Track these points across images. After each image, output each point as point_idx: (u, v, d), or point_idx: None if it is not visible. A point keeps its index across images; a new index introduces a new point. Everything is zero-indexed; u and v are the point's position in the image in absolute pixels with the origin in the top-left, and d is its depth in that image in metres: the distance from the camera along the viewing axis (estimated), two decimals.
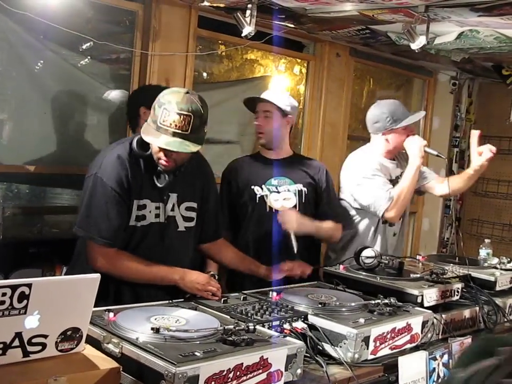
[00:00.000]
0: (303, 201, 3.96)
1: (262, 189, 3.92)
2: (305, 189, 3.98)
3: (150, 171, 3.02)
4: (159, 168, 3.00)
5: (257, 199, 3.91)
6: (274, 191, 3.93)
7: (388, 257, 3.53)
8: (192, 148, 2.86)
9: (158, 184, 3.02)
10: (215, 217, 3.42)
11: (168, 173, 3.02)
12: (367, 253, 3.50)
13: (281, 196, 3.93)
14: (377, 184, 4.09)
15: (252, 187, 3.92)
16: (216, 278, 3.63)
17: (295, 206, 3.93)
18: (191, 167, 3.19)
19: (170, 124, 2.81)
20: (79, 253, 3.16)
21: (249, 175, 3.97)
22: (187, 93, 2.88)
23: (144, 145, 2.98)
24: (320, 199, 4.03)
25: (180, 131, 2.82)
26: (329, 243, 4.28)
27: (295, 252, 3.69)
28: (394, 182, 4.22)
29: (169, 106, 2.81)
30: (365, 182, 4.10)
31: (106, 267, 2.90)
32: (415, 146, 4.11)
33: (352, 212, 4.22)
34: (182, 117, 2.81)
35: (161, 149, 2.91)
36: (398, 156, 4.37)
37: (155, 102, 2.89)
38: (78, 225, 2.99)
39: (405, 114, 4.23)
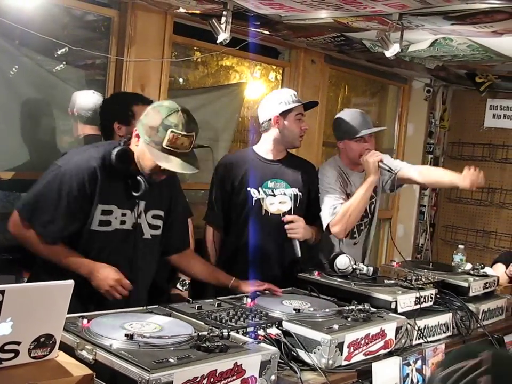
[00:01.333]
0: (297, 205, 3.95)
1: (258, 192, 3.88)
2: (300, 193, 3.97)
3: (124, 179, 3.01)
4: (139, 178, 2.99)
5: (254, 202, 3.87)
6: (271, 194, 3.90)
7: (362, 264, 3.54)
8: (197, 165, 2.96)
9: (134, 193, 3.00)
10: (182, 227, 3.41)
11: (145, 182, 3.01)
12: (341, 259, 3.52)
13: (277, 199, 3.91)
14: (328, 199, 4.02)
15: (248, 189, 3.88)
16: (187, 284, 3.62)
17: (289, 210, 3.92)
18: None
19: (179, 147, 2.86)
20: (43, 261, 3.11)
21: (245, 175, 3.90)
22: (184, 111, 2.90)
23: (123, 158, 2.96)
24: (310, 203, 4.03)
25: (185, 150, 2.90)
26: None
27: (299, 255, 3.74)
28: None
29: (177, 129, 2.84)
30: (321, 194, 4.07)
31: (20, 236, 2.97)
32: (369, 162, 4.04)
33: None
34: (189, 138, 2.88)
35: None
36: None
37: (155, 123, 2.86)
38: (22, 205, 2.98)
39: (359, 126, 4.15)
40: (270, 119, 3.93)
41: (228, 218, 3.97)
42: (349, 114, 4.26)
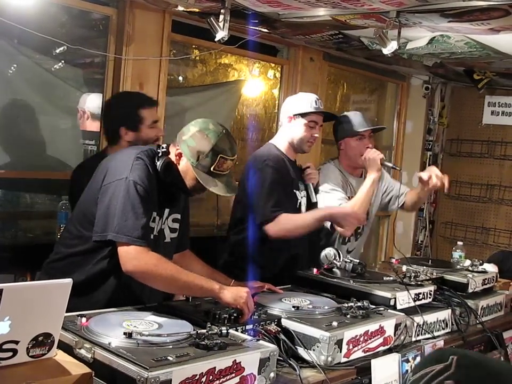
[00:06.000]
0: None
1: (300, 193, 3.97)
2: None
3: (164, 188, 3.00)
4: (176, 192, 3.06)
5: (298, 204, 3.94)
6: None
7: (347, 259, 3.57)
8: (235, 184, 3.06)
9: (168, 203, 3.07)
10: (187, 228, 3.40)
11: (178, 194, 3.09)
12: (325, 252, 3.58)
13: (303, 201, 4.00)
14: (331, 198, 4.04)
15: (294, 191, 3.94)
16: None
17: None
18: None
19: (224, 170, 2.92)
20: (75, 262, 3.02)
21: (290, 176, 3.94)
22: (227, 133, 2.95)
23: (169, 171, 2.96)
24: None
25: (227, 172, 2.95)
26: None
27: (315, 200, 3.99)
28: None
29: (226, 154, 2.89)
30: (321, 196, 4.08)
31: (146, 268, 2.76)
32: (372, 159, 4.07)
33: None
34: (233, 161, 2.95)
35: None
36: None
37: (205, 148, 2.87)
38: (115, 231, 2.78)
39: (359, 125, 4.20)
40: (286, 117, 3.97)
41: None
42: (349, 115, 4.32)
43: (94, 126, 4.53)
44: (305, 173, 4.01)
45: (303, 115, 3.92)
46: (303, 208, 3.98)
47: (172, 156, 2.97)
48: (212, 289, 2.76)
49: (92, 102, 4.52)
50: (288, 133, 3.97)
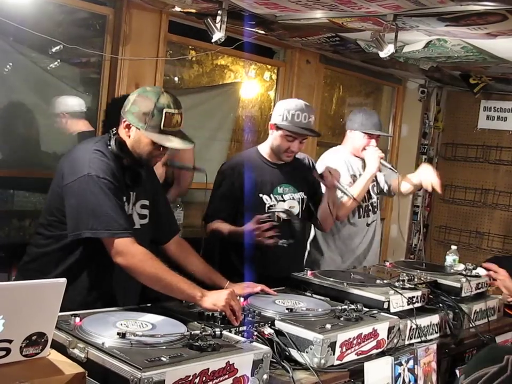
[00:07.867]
0: (303, 209, 4.01)
1: (270, 198, 3.87)
2: (305, 196, 4.03)
3: (124, 170, 3.02)
4: (137, 169, 3.05)
5: (266, 208, 3.85)
6: (281, 200, 3.91)
7: None
8: (190, 139, 3.07)
9: (133, 184, 3.05)
10: (168, 216, 3.41)
11: (140, 171, 3.07)
12: None
13: (287, 204, 3.93)
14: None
15: (260, 195, 3.85)
16: None
17: (297, 214, 3.95)
18: None
19: (174, 125, 2.95)
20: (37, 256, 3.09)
21: (255, 180, 3.86)
22: (167, 91, 3.01)
23: (123, 147, 2.99)
24: (316, 194, 4.13)
25: (179, 128, 3.00)
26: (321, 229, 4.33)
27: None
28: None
29: (170, 108, 2.93)
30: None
31: (131, 263, 2.80)
32: (373, 156, 4.44)
33: None
34: (180, 114, 2.98)
35: (161, 147, 3.00)
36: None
37: (148, 108, 2.91)
38: (92, 228, 2.80)
39: (373, 125, 4.52)
40: (270, 124, 3.95)
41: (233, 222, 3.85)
42: (368, 112, 4.68)
43: (80, 125, 4.54)
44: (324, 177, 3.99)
45: (279, 127, 3.87)
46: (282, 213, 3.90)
47: (122, 133, 3.02)
48: (193, 296, 2.76)
49: (67, 103, 4.53)
50: (270, 139, 3.97)
